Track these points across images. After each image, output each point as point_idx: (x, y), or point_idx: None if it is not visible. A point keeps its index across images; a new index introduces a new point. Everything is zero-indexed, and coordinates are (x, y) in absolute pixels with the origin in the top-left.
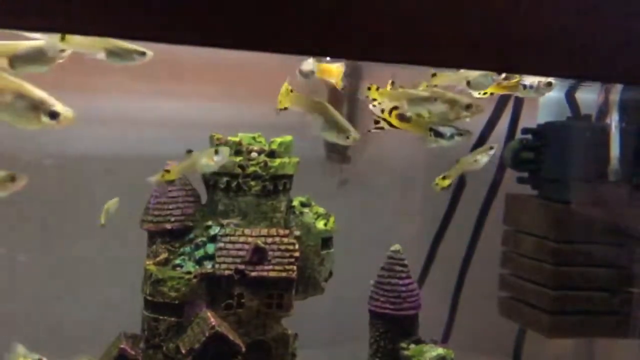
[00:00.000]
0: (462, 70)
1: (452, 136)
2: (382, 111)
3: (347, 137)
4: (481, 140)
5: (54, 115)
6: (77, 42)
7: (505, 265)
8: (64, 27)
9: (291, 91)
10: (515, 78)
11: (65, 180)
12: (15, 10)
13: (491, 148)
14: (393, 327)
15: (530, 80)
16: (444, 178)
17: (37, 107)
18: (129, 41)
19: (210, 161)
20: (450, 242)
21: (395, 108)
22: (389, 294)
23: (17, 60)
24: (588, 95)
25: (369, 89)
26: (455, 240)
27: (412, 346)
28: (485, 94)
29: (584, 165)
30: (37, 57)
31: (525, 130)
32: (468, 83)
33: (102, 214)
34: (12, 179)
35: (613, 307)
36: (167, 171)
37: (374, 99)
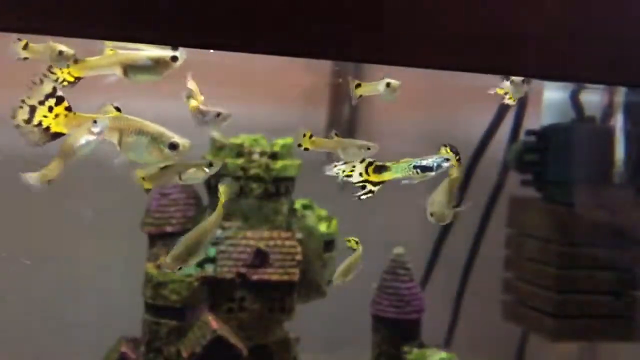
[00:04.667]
0: (385, 79)
1: (439, 166)
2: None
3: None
4: (484, 142)
5: (173, 146)
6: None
7: (508, 268)
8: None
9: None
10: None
11: (66, 182)
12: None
13: (368, 148)
14: (395, 331)
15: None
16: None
17: (156, 140)
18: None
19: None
20: (453, 245)
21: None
22: (392, 298)
23: (131, 70)
24: (592, 97)
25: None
26: (458, 243)
27: (415, 350)
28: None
29: (588, 167)
30: (151, 67)
31: (529, 132)
32: (388, 85)
33: None
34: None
35: (617, 310)
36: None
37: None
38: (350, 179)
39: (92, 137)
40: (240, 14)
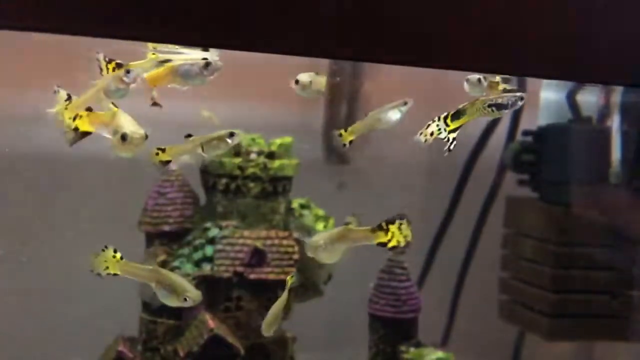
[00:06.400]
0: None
1: (513, 104)
2: None
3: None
4: (482, 142)
5: (123, 138)
6: None
7: (505, 268)
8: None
9: None
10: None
11: (64, 181)
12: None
13: (405, 103)
14: (392, 330)
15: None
16: (346, 132)
17: (117, 133)
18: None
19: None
20: (450, 244)
21: None
22: (389, 297)
23: (175, 75)
24: (589, 97)
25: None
26: (454, 242)
27: (412, 349)
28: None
29: (585, 167)
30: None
31: (526, 132)
32: (297, 82)
33: None
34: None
35: (613, 310)
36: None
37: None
38: (439, 137)
39: (123, 86)
40: (239, 13)
